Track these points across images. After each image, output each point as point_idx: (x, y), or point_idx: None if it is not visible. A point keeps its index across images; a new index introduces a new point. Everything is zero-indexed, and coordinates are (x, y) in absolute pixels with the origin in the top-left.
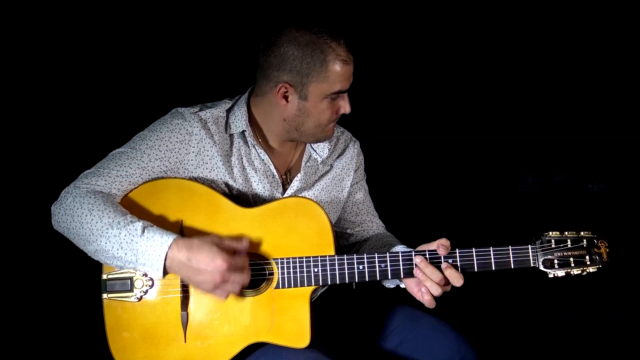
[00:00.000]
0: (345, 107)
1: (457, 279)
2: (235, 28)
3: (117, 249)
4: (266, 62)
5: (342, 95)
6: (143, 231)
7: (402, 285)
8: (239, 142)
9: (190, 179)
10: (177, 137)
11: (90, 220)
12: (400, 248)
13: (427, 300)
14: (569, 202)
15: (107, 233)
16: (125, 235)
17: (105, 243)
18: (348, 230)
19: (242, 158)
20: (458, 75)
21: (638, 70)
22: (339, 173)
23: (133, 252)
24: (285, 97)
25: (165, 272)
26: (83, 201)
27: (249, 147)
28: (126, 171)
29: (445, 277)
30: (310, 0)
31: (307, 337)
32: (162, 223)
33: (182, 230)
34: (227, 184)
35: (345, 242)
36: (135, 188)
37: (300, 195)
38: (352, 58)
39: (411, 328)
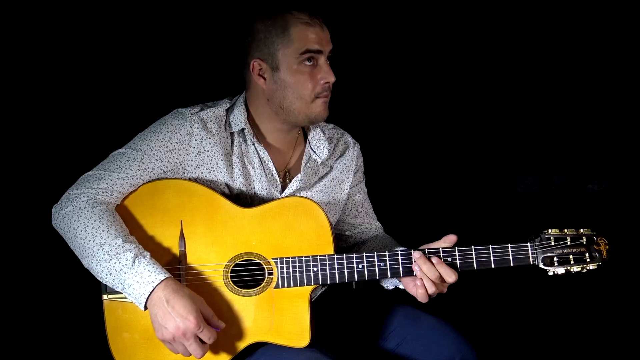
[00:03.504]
0: (326, 75)
1: (449, 275)
2: (235, 28)
3: (106, 274)
4: (243, 48)
5: (320, 63)
6: (133, 262)
7: (401, 286)
8: (239, 141)
9: (189, 179)
10: (177, 138)
11: (84, 237)
12: (399, 249)
13: (420, 293)
14: (569, 202)
15: (97, 255)
16: (115, 264)
17: (96, 265)
18: (347, 232)
19: (242, 156)
20: (458, 76)
21: (638, 70)
22: (338, 175)
23: (120, 281)
24: (262, 75)
25: (146, 307)
26: (80, 214)
27: (248, 144)
28: (127, 173)
29: (441, 276)
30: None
31: (307, 337)
32: (161, 224)
33: (182, 232)
34: (226, 184)
35: (343, 244)
36: (135, 190)
37: (299, 195)
38: (318, 22)
39: (411, 328)
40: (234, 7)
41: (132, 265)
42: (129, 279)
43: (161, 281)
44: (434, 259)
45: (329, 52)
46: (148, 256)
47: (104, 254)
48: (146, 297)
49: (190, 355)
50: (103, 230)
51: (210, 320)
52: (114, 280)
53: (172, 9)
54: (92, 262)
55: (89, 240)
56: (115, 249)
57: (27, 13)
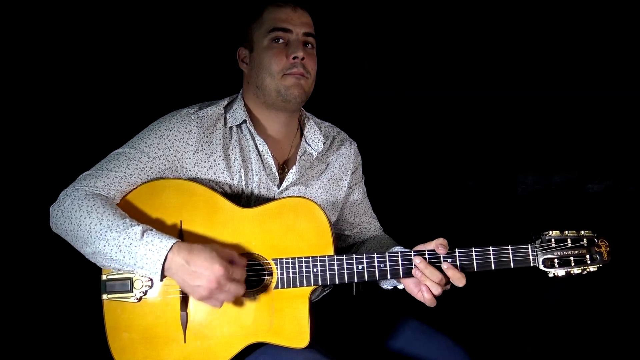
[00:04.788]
0: (295, 50)
1: (459, 280)
2: (232, 28)
3: (116, 252)
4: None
5: (291, 41)
6: (142, 235)
7: (400, 286)
8: (237, 135)
9: (188, 178)
10: (175, 136)
11: (88, 222)
12: (398, 249)
13: (427, 299)
14: (569, 202)
15: (105, 236)
16: (124, 239)
17: (104, 246)
18: (346, 232)
19: (241, 150)
20: (459, 77)
21: (638, 70)
22: (336, 172)
23: (132, 256)
24: (245, 61)
25: (163, 276)
26: (81, 204)
27: (247, 137)
28: (125, 172)
29: (445, 277)
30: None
31: (307, 337)
32: (161, 224)
33: (181, 231)
34: (225, 181)
35: (343, 244)
36: (134, 189)
37: (298, 195)
38: (291, 4)
39: (422, 346)
40: (232, 6)
41: (141, 237)
42: (140, 250)
43: (173, 245)
44: (444, 264)
45: (303, 35)
46: (155, 230)
47: (112, 233)
48: (162, 263)
49: (233, 298)
50: (109, 214)
51: (234, 259)
52: (124, 257)
53: (171, 9)
54: (99, 245)
55: (95, 225)
56: (123, 226)
57: (27, 13)
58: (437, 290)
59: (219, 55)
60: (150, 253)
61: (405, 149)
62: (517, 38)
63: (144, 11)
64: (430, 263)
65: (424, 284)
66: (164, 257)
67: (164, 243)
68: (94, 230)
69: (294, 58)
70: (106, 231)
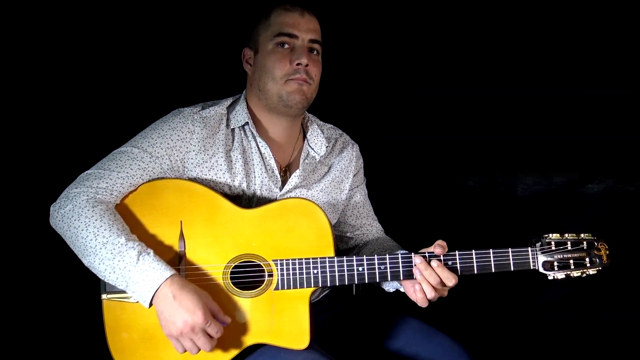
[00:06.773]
0: (299, 57)
1: (449, 279)
2: (237, 28)
3: (110, 272)
4: (241, 44)
5: (296, 47)
6: (138, 259)
7: (402, 289)
8: (240, 137)
9: (189, 179)
10: (178, 135)
11: (85, 236)
12: (400, 252)
13: (419, 298)
14: (569, 202)
15: (100, 254)
16: (119, 261)
17: (98, 264)
18: (348, 234)
19: (243, 152)
20: (458, 76)
21: (638, 70)
22: (337, 175)
23: (124, 279)
24: (249, 62)
25: (151, 304)
26: (81, 213)
27: (249, 140)
28: (127, 172)
29: (441, 280)
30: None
31: (307, 338)
32: (161, 225)
33: (181, 232)
34: (226, 182)
35: (344, 246)
36: (134, 189)
37: (299, 196)
38: (299, 9)
39: (423, 345)
40: (235, 6)
41: (136, 263)
42: (134, 276)
43: (167, 278)
44: (434, 262)
45: (309, 42)
46: (152, 253)
47: (107, 253)
48: (152, 294)
49: (198, 351)
50: (105, 229)
51: (217, 315)
52: (117, 278)
53: (172, 8)
54: (94, 261)
55: (91, 240)
56: (119, 247)
57: (27, 13)
58: (430, 294)
59: (224, 54)
60: (143, 282)
61: (404, 148)
62: (517, 38)
63: (147, 8)
64: (429, 265)
65: (418, 284)
66: (154, 290)
67: (158, 275)
68: (90, 245)
69: (298, 64)
70: (101, 248)
